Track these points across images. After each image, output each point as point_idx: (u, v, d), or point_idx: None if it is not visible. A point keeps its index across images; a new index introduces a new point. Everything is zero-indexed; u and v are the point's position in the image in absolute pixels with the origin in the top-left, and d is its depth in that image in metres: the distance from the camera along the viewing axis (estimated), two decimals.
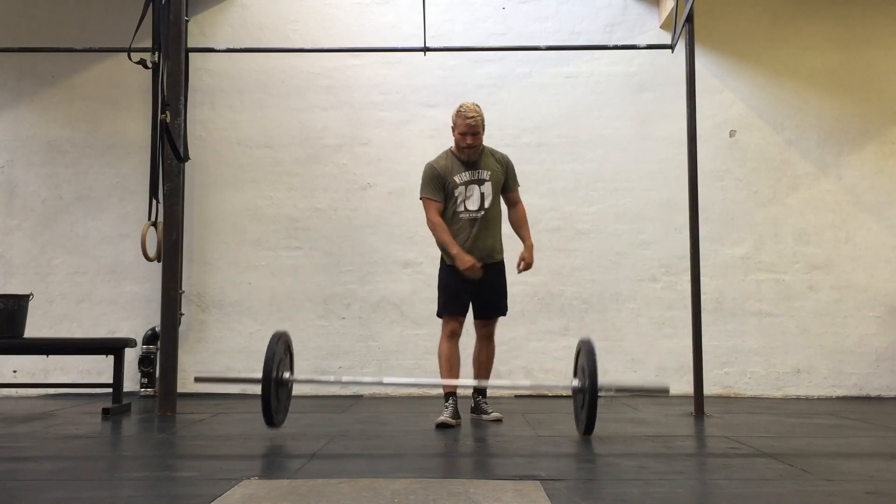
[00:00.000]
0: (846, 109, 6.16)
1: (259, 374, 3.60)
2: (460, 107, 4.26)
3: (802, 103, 6.17)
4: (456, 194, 4.26)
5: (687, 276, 5.20)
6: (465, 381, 4.33)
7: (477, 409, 4.40)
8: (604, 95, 6.19)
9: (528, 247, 4.39)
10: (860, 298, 6.03)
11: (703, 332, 4.89)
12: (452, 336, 4.30)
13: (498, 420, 4.31)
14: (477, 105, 4.27)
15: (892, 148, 6.16)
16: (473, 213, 4.26)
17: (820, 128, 6.16)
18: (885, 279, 6.04)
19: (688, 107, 4.96)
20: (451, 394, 4.25)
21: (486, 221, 4.28)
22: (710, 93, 6.07)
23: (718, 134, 6.13)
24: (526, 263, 4.37)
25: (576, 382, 3.81)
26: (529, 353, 5.99)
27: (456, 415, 4.18)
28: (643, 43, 5.94)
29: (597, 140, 6.14)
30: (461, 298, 4.31)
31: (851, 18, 6.20)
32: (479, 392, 4.42)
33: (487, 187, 4.28)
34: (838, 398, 5.91)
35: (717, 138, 6.12)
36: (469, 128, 4.23)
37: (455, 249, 4.18)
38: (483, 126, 4.27)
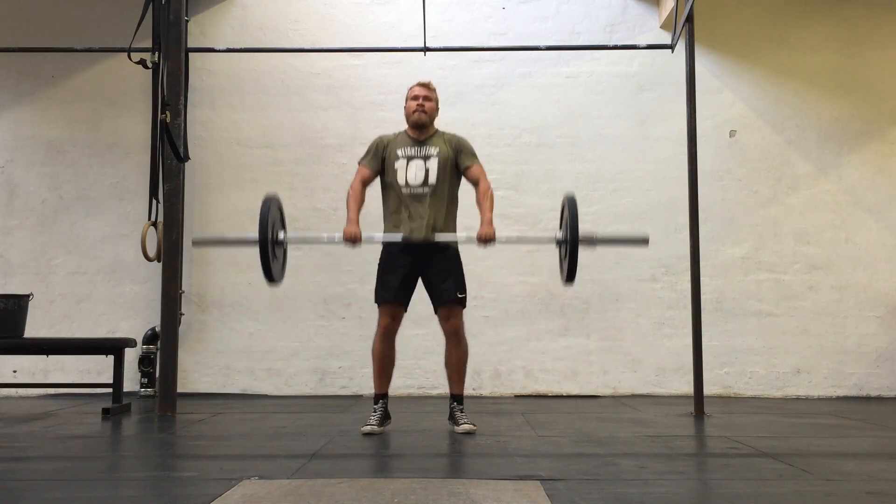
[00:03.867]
0: (846, 109, 6.17)
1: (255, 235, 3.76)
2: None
3: (802, 103, 6.17)
4: (396, 167, 4.02)
5: (687, 276, 5.20)
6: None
7: (451, 417, 4.06)
8: (604, 95, 6.19)
9: (484, 221, 3.92)
10: (860, 298, 6.03)
11: (703, 332, 4.89)
12: (387, 334, 3.99)
13: (470, 433, 3.91)
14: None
15: (892, 148, 6.16)
16: (415, 189, 3.98)
17: (820, 128, 6.16)
18: (885, 279, 6.05)
19: (688, 107, 4.96)
20: (380, 396, 4.03)
21: (431, 200, 3.97)
22: (710, 93, 6.07)
23: (718, 134, 6.13)
24: (480, 240, 3.89)
25: (559, 234, 3.89)
26: (529, 353, 5.99)
27: (383, 420, 3.99)
28: (643, 43, 5.95)
29: (597, 140, 6.14)
30: (394, 283, 3.97)
31: (851, 18, 6.20)
32: (454, 398, 4.06)
33: (433, 163, 4.00)
34: (838, 398, 5.91)
35: (717, 138, 6.12)
36: (420, 89, 4.07)
37: (349, 216, 4.00)
38: (437, 101, 4.12)
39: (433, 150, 4.05)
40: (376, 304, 4.06)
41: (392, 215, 4.07)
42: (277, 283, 3.91)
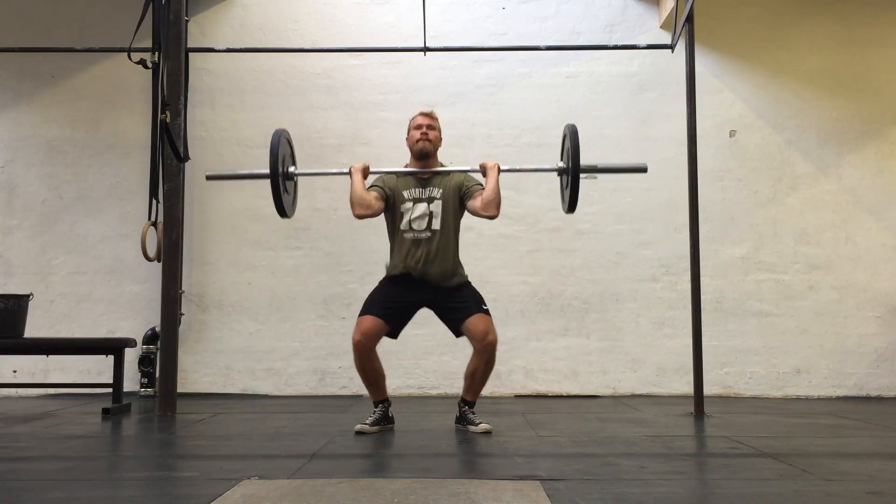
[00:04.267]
0: (846, 109, 6.17)
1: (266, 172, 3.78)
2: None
3: (802, 103, 6.17)
4: (402, 210, 3.94)
5: (687, 276, 5.20)
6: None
7: (462, 419, 4.00)
8: (604, 95, 6.19)
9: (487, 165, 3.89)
10: (860, 298, 6.03)
11: (703, 332, 4.89)
12: (356, 349, 3.84)
13: (487, 432, 3.88)
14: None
15: (892, 148, 6.16)
16: (420, 234, 3.92)
17: (820, 128, 6.16)
18: (885, 279, 6.04)
19: (688, 107, 4.96)
20: (379, 401, 3.99)
21: (436, 245, 3.90)
22: (710, 93, 6.07)
23: (718, 134, 6.13)
24: (482, 165, 3.88)
25: (561, 164, 3.94)
26: (529, 353, 5.99)
27: (380, 422, 3.94)
28: (643, 43, 5.94)
29: (597, 140, 6.13)
30: (383, 305, 3.90)
31: (852, 18, 6.20)
32: (465, 402, 4.01)
33: (437, 206, 3.93)
34: (838, 398, 5.91)
35: (717, 138, 6.12)
36: (423, 118, 4.00)
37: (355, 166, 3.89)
38: (440, 130, 4.05)
39: (436, 193, 3.96)
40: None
41: (398, 261, 3.98)
42: (289, 216, 3.94)
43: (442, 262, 3.92)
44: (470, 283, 4.04)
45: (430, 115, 4.06)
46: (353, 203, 3.87)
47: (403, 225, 3.94)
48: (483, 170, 3.91)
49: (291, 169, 3.92)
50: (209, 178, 4.23)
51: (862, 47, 6.19)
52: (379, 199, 3.94)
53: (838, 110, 6.17)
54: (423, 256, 3.90)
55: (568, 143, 3.80)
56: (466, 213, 4.04)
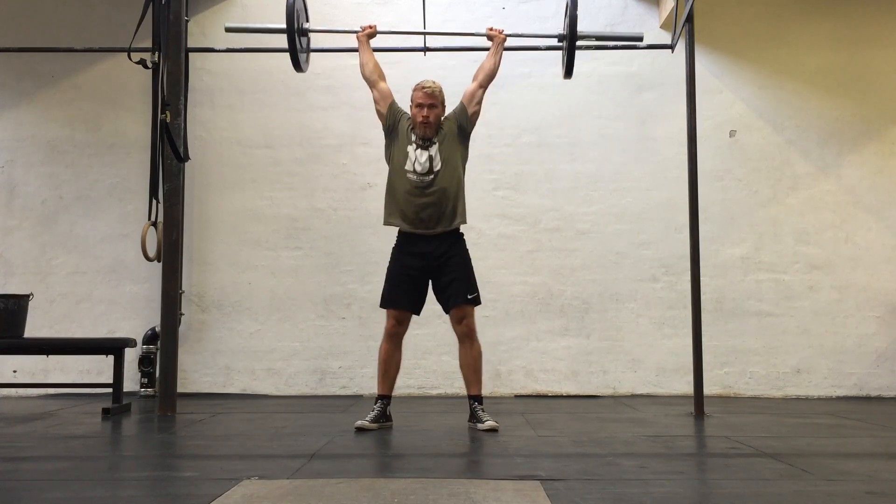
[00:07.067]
0: (846, 109, 6.16)
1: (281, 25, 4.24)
2: (418, 83, 4.15)
3: (802, 103, 6.17)
4: (407, 150, 4.09)
5: (687, 276, 5.20)
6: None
7: (472, 417, 4.08)
8: (604, 95, 6.19)
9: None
10: (860, 298, 6.03)
11: (703, 332, 4.89)
12: (392, 336, 4.07)
13: (493, 430, 3.93)
14: (436, 81, 4.16)
15: (892, 148, 6.16)
16: (421, 177, 4.03)
17: (820, 128, 6.16)
18: (885, 279, 6.04)
19: (688, 107, 4.96)
20: (381, 397, 4.08)
21: (438, 185, 4.02)
22: (710, 93, 6.07)
23: (718, 134, 6.13)
24: (489, 33, 4.39)
25: (562, 31, 4.43)
26: (529, 353, 5.99)
27: (379, 419, 4.02)
28: (643, 43, 5.93)
29: (597, 140, 6.14)
30: (405, 288, 4.06)
31: (852, 18, 6.20)
32: (474, 398, 4.09)
33: (435, 149, 4.06)
34: (838, 398, 5.91)
35: (717, 138, 6.12)
36: (426, 97, 4.06)
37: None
38: (442, 102, 4.13)
39: (438, 138, 4.11)
40: (382, 308, 4.13)
41: (399, 202, 4.08)
42: (303, 71, 4.33)
43: (444, 205, 4.03)
44: (466, 247, 4.14)
45: (431, 95, 4.10)
46: (364, 63, 4.27)
47: (408, 164, 4.07)
48: (489, 37, 4.36)
49: (305, 25, 4.26)
50: (228, 29, 4.64)
51: (862, 47, 6.19)
52: (389, 90, 4.23)
53: (838, 110, 6.16)
54: (428, 198, 4.02)
55: (570, 8, 4.33)
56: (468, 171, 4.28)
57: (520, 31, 6.20)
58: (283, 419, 4.58)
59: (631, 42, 5.98)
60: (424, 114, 4.06)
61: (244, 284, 6.07)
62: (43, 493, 2.59)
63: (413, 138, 4.11)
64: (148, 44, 5.36)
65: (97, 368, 5.80)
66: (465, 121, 4.19)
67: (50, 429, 4.17)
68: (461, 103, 4.22)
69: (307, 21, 4.33)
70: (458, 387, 5.88)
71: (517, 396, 5.90)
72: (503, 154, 6.07)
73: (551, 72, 6.22)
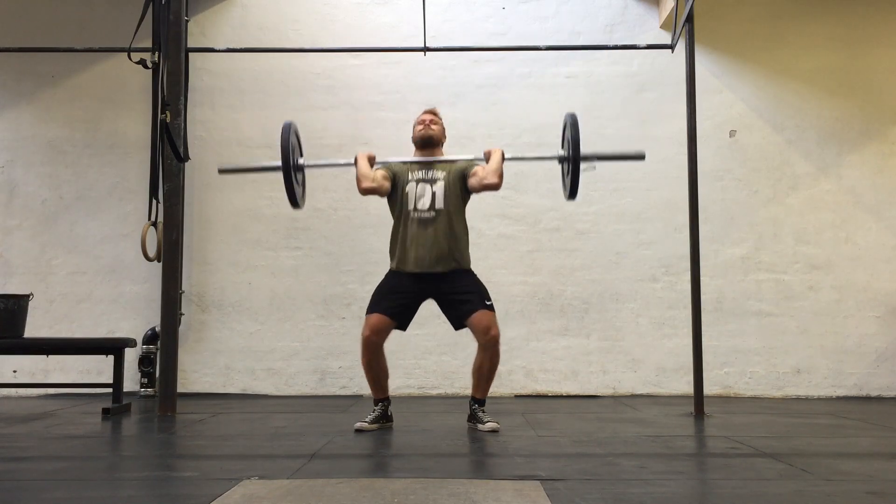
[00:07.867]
0: (846, 109, 6.16)
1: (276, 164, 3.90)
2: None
3: (802, 103, 6.17)
4: (407, 190, 4.02)
5: (687, 276, 5.20)
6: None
7: (472, 418, 4.06)
8: (604, 95, 6.19)
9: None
10: (860, 298, 6.03)
11: (703, 332, 4.89)
12: (368, 345, 3.92)
13: (494, 430, 3.93)
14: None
15: (892, 148, 6.16)
16: (423, 214, 3.98)
17: (820, 128, 6.16)
18: (885, 279, 6.04)
19: (688, 107, 4.96)
20: (380, 399, 4.06)
21: (440, 224, 3.97)
22: (710, 93, 6.08)
23: (718, 134, 6.13)
24: (486, 153, 4.01)
25: (562, 152, 4.00)
26: (529, 353, 5.99)
27: (379, 420, 4.01)
28: (643, 43, 5.94)
29: (597, 140, 6.10)
30: (388, 301, 3.96)
31: (852, 18, 6.20)
32: (476, 401, 4.07)
33: (440, 187, 4.00)
34: (838, 398, 5.91)
35: (717, 138, 6.12)
36: (427, 114, 4.14)
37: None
38: (443, 126, 4.16)
39: (440, 175, 4.05)
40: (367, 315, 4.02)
41: (400, 243, 4.04)
42: (300, 207, 4.03)
43: (447, 242, 3.97)
44: (473, 272, 4.09)
45: (433, 112, 4.19)
46: (360, 177, 3.99)
47: (409, 205, 4.01)
48: (487, 155, 4.03)
49: (301, 161, 4.01)
50: (221, 171, 4.36)
51: (862, 47, 6.19)
52: (385, 178, 4.05)
53: (838, 110, 6.16)
54: (427, 235, 3.96)
55: (569, 133, 3.88)
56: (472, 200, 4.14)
57: (520, 31, 6.23)
58: (283, 419, 4.58)
59: (630, 46, 6.01)
60: (426, 123, 4.11)
61: (244, 284, 6.07)
62: (43, 493, 2.59)
63: (411, 177, 4.05)
64: (148, 44, 5.36)
65: (97, 368, 5.80)
66: (467, 180, 4.05)
67: (50, 429, 4.17)
68: (470, 165, 4.08)
69: (301, 156, 4.00)
70: (458, 387, 5.89)
71: (517, 396, 5.90)
72: None
73: (551, 72, 6.24)
